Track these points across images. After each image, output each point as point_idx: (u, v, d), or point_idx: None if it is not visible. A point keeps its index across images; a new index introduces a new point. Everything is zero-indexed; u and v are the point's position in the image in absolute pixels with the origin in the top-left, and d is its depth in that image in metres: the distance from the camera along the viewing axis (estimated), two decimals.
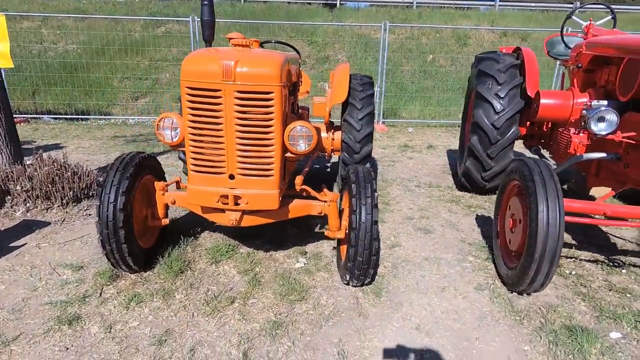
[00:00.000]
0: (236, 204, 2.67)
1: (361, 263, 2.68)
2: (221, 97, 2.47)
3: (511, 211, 3.09)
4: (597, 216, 3.71)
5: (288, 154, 2.77)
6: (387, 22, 9.06)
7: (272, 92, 2.50)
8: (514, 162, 3.03)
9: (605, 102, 3.30)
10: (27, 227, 3.66)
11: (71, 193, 3.96)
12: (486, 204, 4.63)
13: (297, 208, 2.98)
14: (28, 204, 3.87)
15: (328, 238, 3.55)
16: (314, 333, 2.53)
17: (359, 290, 2.95)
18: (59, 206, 3.92)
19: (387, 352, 2.40)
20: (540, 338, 2.56)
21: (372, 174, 2.83)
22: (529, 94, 4.17)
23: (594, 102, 3.33)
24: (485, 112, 4.19)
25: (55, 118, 9.04)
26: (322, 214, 3.03)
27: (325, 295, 2.90)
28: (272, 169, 2.66)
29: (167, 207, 3.18)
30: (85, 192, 4.13)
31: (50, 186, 3.88)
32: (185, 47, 11.18)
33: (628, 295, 3.00)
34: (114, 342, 2.40)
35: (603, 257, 3.53)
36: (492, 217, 3.45)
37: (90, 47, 10.42)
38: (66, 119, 9.00)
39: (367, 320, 2.66)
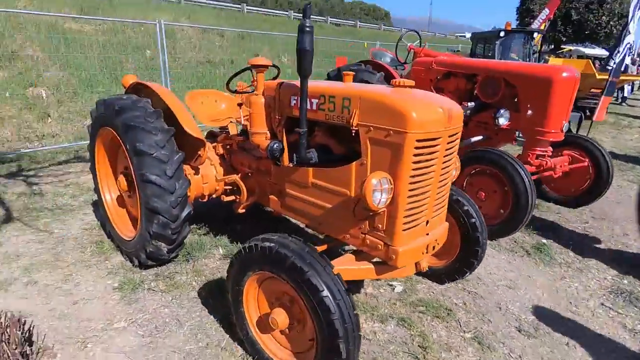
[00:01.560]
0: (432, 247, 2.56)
1: None
2: (440, 144, 2.30)
3: None
4: None
5: None
6: (162, 21, 7.66)
7: (459, 132, 2.53)
8: None
9: (472, 103, 5.01)
10: None
11: None
12: None
13: None
14: None
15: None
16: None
17: None
18: None
19: None
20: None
21: None
22: None
23: (469, 104, 4.98)
24: None
25: None
26: None
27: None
28: (447, 200, 2.69)
29: None
30: None
31: None
32: None
33: None
34: None
35: None
36: None
37: None
38: None
39: None
